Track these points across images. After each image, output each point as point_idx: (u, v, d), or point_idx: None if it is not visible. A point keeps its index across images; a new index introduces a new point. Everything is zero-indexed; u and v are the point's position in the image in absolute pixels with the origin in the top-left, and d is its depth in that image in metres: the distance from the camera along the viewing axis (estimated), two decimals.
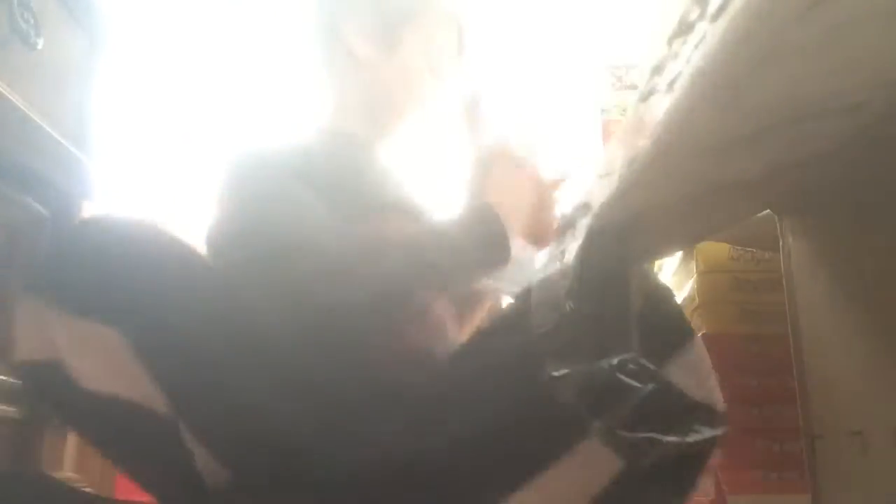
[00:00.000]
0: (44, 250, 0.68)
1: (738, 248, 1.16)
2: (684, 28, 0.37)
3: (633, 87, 1.36)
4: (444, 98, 0.96)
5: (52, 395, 0.67)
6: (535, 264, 0.84)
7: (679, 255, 1.27)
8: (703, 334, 1.12)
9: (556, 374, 0.52)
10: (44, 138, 0.96)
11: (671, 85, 0.38)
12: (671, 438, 0.51)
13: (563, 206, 0.85)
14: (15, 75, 0.90)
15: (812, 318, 0.86)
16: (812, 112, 0.46)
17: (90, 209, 1.05)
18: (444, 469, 0.60)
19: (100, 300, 0.62)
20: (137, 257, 0.64)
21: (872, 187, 0.72)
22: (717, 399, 0.57)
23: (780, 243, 0.91)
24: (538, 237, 0.85)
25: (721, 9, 0.33)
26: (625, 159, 0.45)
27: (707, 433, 0.52)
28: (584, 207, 0.51)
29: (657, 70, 0.41)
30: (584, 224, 0.51)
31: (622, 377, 0.51)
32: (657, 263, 1.33)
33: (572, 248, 0.52)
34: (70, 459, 1.08)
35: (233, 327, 0.66)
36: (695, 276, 1.18)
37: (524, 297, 0.66)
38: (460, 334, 0.88)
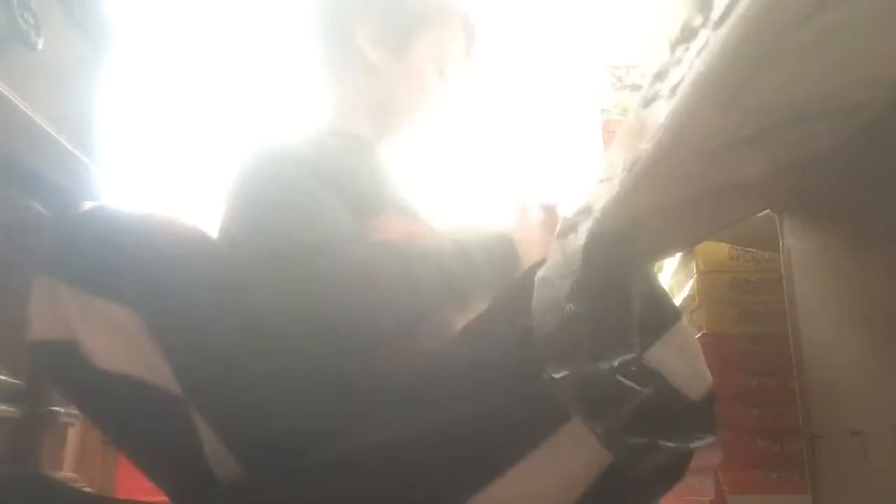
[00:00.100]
0: (58, 231, 0.67)
1: (738, 248, 1.16)
2: (687, 34, 0.37)
3: (633, 87, 1.36)
4: (451, 100, 0.97)
5: (65, 374, 0.67)
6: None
7: (679, 255, 1.27)
8: (703, 334, 1.12)
9: (556, 375, 0.52)
10: (44, 139, 0.96)
11: (674, 90, 0.39)
12: (671, 444, 0.51)
13: (564, 209, 0.87)
14: (15, 76, 0.90)
15: (812, 318, 0.86)
16: (812, 112, 0.46)
17: None
18: (432, 457, 0.61)
19: (114, 277, 0.63)
20: (151, 236, 0.65)
21: (872, 187, 0.72)
22: (707, 379, 0.57)
23: (780, 243, 0.91)
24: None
25: (724, 15, 0.33)
26: (626, 163, 0.45)
27: (707, 438, 0.53)
28: (586, 211, 0.51)
29: (660, 76, 0.41)
30: (585, 227, 0.51)
31: (622, 379, 0.51)
32: (657, 264, 1.33)
33: (573, 250, 0.52)
34: (70, 459, 1.08)
35: (244, 311, 0.66)
36: (695, 276, 1.18)
37: (506, 295, 0.67)
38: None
